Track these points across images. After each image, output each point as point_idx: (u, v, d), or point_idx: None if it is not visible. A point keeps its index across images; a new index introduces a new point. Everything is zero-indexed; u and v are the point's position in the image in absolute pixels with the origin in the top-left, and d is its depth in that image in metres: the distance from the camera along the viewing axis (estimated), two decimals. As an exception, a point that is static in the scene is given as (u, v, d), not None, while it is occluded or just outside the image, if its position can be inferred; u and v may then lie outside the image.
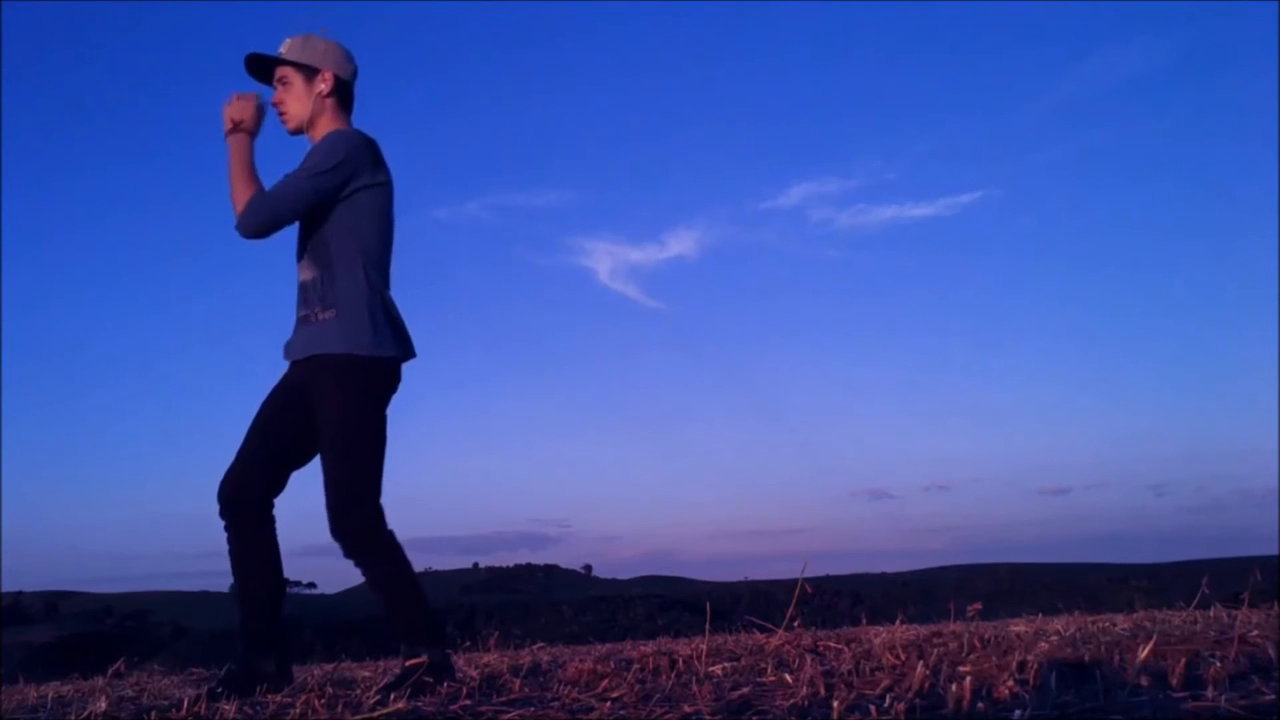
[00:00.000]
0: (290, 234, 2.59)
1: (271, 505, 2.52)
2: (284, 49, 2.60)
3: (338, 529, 2.41)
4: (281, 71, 2.60)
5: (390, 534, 2.47)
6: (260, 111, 2.57)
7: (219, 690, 2.28)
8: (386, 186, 2.54)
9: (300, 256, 2.58)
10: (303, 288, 2.55)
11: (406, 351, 2.57)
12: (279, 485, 2.53)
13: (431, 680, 2.33)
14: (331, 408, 2.42)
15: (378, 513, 2.45)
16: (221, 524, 2.49)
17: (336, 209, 2.48)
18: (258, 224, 2.43)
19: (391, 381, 2.52)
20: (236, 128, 2.53)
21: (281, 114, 2.61)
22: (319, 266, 2.50)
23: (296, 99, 2.59)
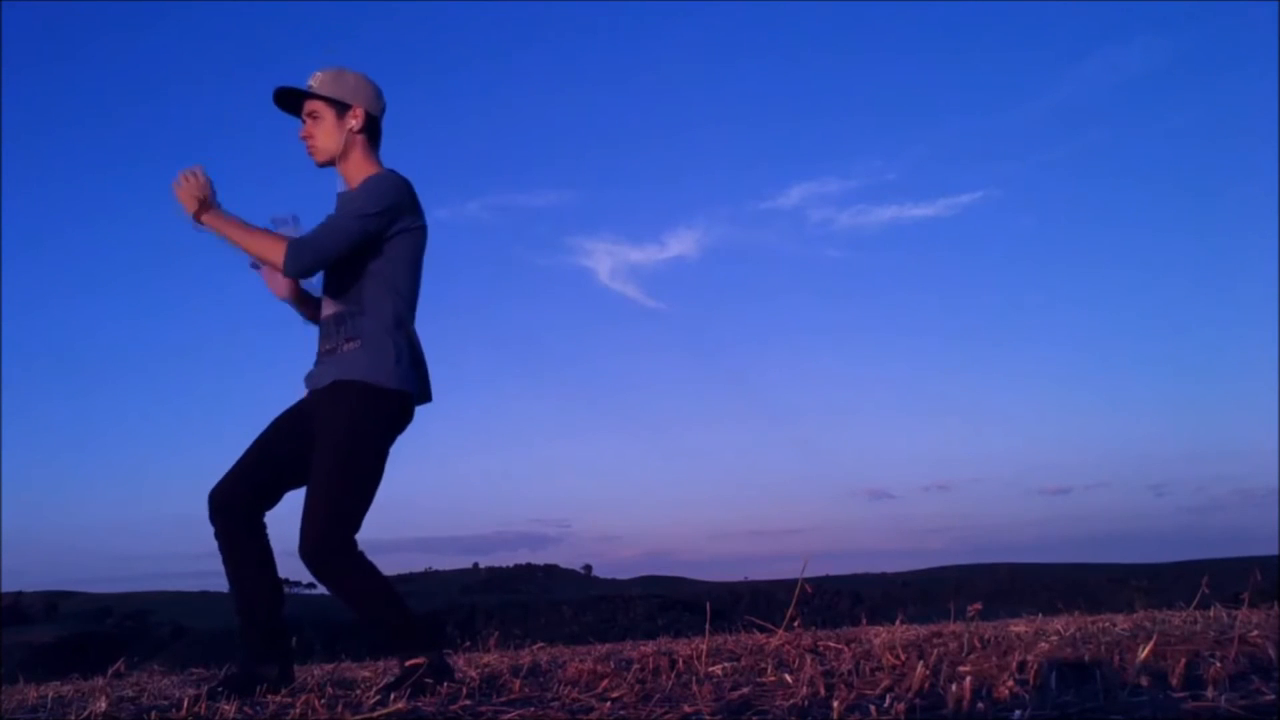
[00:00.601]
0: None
1: (260, 515, 2.53)
2: (315, 83, 2.59)
3: (315, 546, 2.36)
4: (311, 106, 2.58)
5: (361, 553, 2.45)
6: (209, 180, 2.50)
7: (219, 690, 2.28)
8: (423, 231, 2.58)
9: (328, 293, 2.59)
10: (327, 323, 2.57)
11: (424, 393, 2.61)
12: (269, 500, 2.54)
13: (431, 680, 2.33)
14: (338, 429, 2.42)
15: (353, 539, 2.42)
16: (212, 529, 2.50)
17: (373, 250, 2.51)
18: (305, 265, 2.45)
19: (405, 417, 2.53)
20: (204, 206, 2.47)
21: (311, 148, 2.60)
22: (348, 303, 2.52)
23: (327, 134, 2.58)
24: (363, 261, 2.50)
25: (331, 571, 2.40)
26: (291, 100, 2.62)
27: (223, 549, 2.50)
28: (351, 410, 2.43)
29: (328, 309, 2.58)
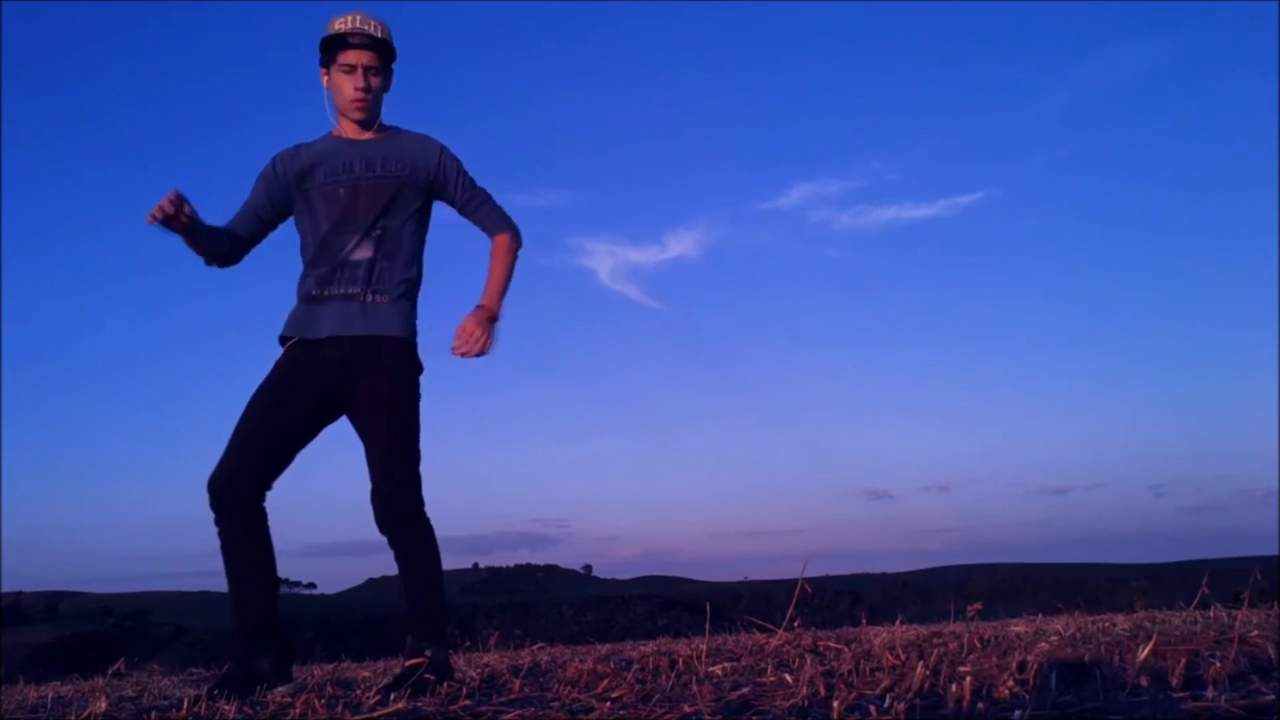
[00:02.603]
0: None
1: (264, 499, 2.46)
2: (385, 37, 2.54)
3: (394, 502, 2.43)
4: (379, 61, 2.53)
5: (429, 520, 2.51)
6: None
7: (217, 691, 2.27)
8: None
9: (357, 234, 2.52)
10: (351, 265, 2.51)
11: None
12: (279, 471, 2.47)
13: (433, 678, 2.33)
14: (389, 387, 2.46)
15: (420, 493, 2.50)
16: (212, 518, 2.43)
17: (425, 208, 2.62)
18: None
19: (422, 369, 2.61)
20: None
21: (366, 105, 2.53)
22: (384, 253, 2.52)
23: (379, 96, 2.59)
24: (414, 215, 2.58)
25: (417, 527, 2.47)
26: (333, 48, 2.50)
27: (226, 541, 2.42)
28: (400, 368, 2.49)
29: (355, 251, 2.51)
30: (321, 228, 2.54)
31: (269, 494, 2.48)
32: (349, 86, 2.52)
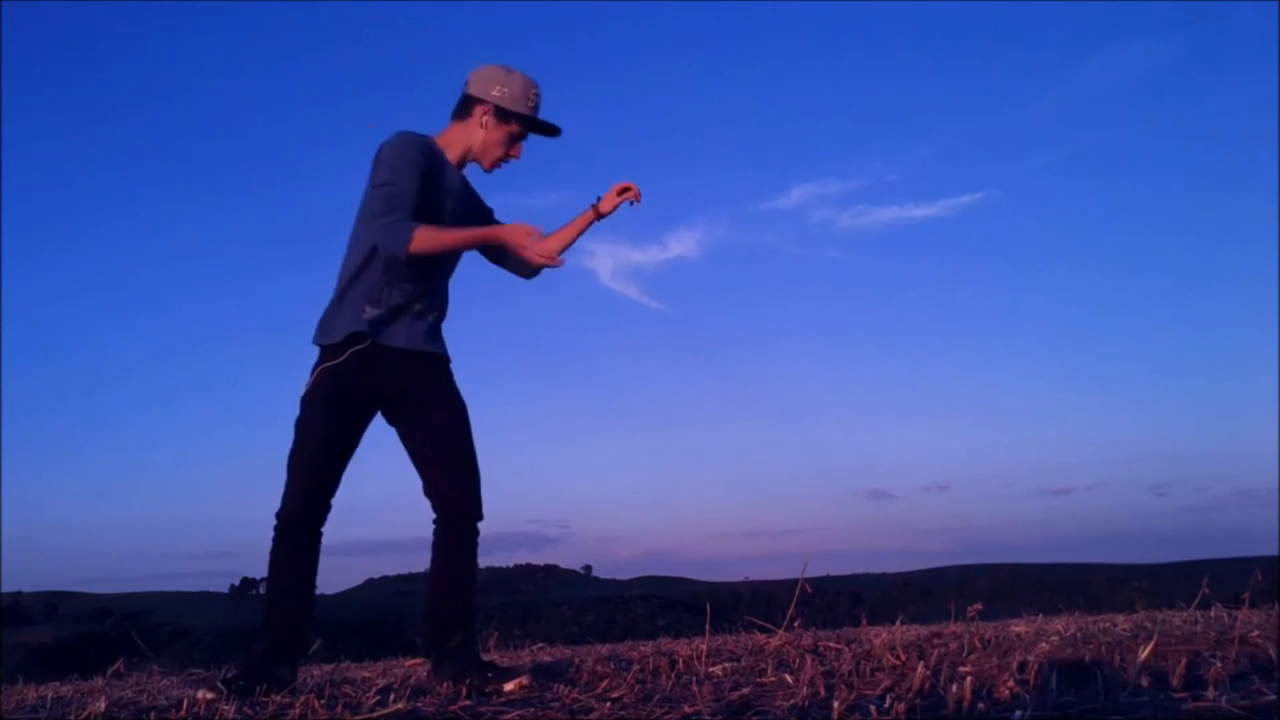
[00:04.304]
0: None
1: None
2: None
3: (477, 507, 2.58)
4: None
5: None
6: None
7: (236, 682, 2.27)
8: None
9: (445, 266, 2.62)
10: (433, 290, 2.60)
11: None
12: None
13: (467, 668, 2.41)
14: (459, 401, 2.61)
15: None
16: (271, 540, 2.45)
17: None
18: None
19: None
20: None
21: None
22: (445, 284, 2.66)
23: None
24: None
25: (476, 533, 2.59)
26: (525, 121, 2.61)
27: (284, 564, 2.44)
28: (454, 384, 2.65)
29: (438, 278, 2.61)
30: None
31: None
32: (505, 151, 2.62)
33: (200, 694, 2.23)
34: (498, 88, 2.55)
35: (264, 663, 2.39)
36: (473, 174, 2.68)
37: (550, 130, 2.63)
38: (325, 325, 2.51)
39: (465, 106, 2.59)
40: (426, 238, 2.35)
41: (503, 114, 2.56)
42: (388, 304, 2.50)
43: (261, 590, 2.62)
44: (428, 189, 2.48)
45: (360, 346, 2.46)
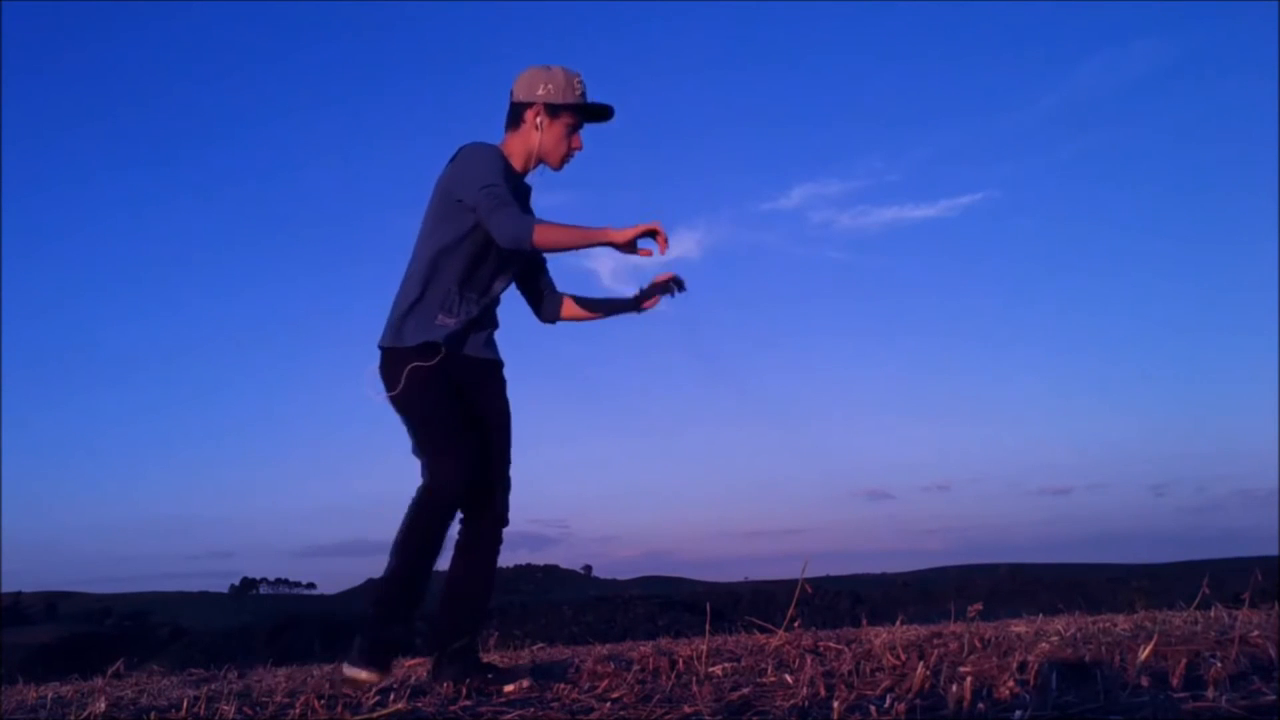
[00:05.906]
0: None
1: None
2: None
3: (506, 512, 2.61)
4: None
5: None
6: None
7: (377, 649, 2.39)
8: None
9: (506, 274, 2.64)
10: (493, 299, 2.64)
11: None
12: None
13: (470, 666, 2.45)
14: (506, 407, 2.67)
15: None
16: (430, 516, 2.44)
17: None
18: None
19: None
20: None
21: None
22: (504, 289, 2.68)
23: None
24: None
25: (501, 539, 2.61)
26: (579, 111, 2.60)
27: (434, 538, 2.45)
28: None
29: (497, 287, 2.63)
30: (490, 257, 2.56)
31: None
32: (568, 145, 2.60)
33: (361, 674, 2.34)
34: (542, 86, 2.55)
35: (377, 628, 2.44)
36: (537, 175, 2.68)
37: (603, 111, 2.62)
38: (395, 329, 2.53)
39: (516, 114, 2.58)
40: (547, 232, 2.35)
41: (553, 110, 2.55)
42: (460, 313, 2.54)
43: (381, 577, 2.49)
44: None
45: (440, 356, 2.51)
